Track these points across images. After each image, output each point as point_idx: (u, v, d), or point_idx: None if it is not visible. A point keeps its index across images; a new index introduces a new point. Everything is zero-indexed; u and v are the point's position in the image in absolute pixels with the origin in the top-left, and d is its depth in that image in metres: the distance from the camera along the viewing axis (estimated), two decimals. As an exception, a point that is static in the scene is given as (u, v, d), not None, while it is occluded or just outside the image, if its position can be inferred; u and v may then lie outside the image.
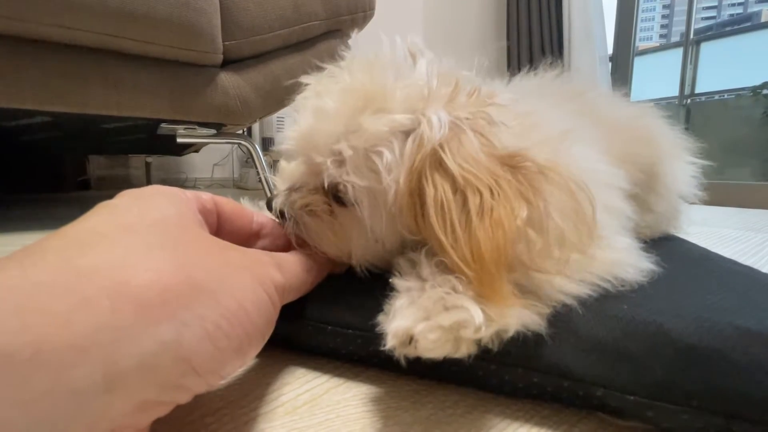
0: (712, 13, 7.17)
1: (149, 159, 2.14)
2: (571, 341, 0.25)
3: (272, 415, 0.25)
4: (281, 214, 0.32)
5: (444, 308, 0.23)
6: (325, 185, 0.29)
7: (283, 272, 0.25)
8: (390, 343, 0.22)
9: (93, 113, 0.82)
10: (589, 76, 1.95)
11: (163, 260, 0.19)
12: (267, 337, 0.24)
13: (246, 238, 0.31)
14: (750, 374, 0.22)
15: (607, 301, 0.27)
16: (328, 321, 0.30)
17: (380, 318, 0.25)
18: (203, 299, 0.19)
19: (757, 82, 2.00)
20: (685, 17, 2.10)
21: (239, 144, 1.20)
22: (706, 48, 2.11)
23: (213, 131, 1.03)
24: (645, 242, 0.35)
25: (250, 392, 0.28)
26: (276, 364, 0.32)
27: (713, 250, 0.50)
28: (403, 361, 0.23)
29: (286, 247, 0.32)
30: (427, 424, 0.25)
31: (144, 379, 0.16)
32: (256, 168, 1.16)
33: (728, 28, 2.73)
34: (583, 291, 0.27)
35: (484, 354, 0.24)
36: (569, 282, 0.26)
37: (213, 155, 2.39)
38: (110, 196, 0.22)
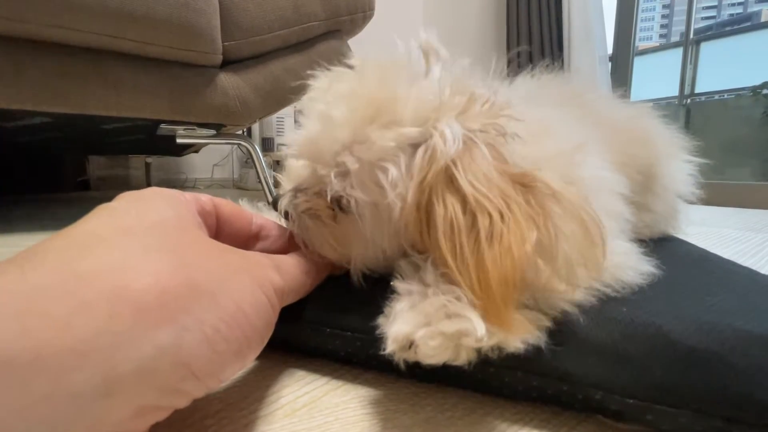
0: (712, 12, 7.16)
1: (149, 159, 2.14)
2: (570, 344, 0.25)
3: (271, 417, 0.25)
4: (286, 215, 0.32)
5: (446, 315, 0.22)
6: (328, 197, 0.28)
7: (282, 274, 0.25)
8: (390, 347, 0.22)
9: (92, 114, 0.82)
10: (589, 76, 1.95)
11: (162, 262, 0.19)
12: (266, 340, 0.24)
13: (245, 240, 0.31)
14: (749, 377, 0.22)
15: (607, 303, 0.27)
16: (327, 323, 0.30)
17: (380, 320, 0.25)
18: (202, 302, 0.19)
19: (757, 82, 2.00)
20: (684, 17, 2.10)
21: (239, 144, 1.21)
22: (705, 48, 2.11)
23: (213, 132, 1.03)
24: (644, 243, 0.35)
25: (249, 394, 0.28)
26: (275, 366, 0.32)
27: (713, 251, 0.50)
28: (402, 366, 0.23)
29: (286, 249, 0.32)
30: (426, 426, 0.25)
31: (143, 384, 0.16)
32: (256, 168, 1.16)
33: (728, 28, 2.74)
34: (584, 296, 0.26)
35: (483, 358, 0.24)
36: (572, 290, 0.26)
37: (213, 156, 2.39)
38: (110, 197, 0.22)
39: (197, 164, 2.39)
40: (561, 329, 0.25)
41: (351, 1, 1.09)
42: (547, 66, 0.50)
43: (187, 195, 0.26)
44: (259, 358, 0.28)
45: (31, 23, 0.71)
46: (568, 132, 0.35)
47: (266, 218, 0.33)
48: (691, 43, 2.08)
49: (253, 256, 0.25)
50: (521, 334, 0.23)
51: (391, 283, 0.26)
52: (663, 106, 2.16)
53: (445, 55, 0.30)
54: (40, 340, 0.14)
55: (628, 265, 0.30)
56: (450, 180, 0.25)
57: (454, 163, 0.25)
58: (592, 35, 2.00)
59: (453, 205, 0.24)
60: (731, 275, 0.38)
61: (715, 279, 0.36)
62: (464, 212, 0.24)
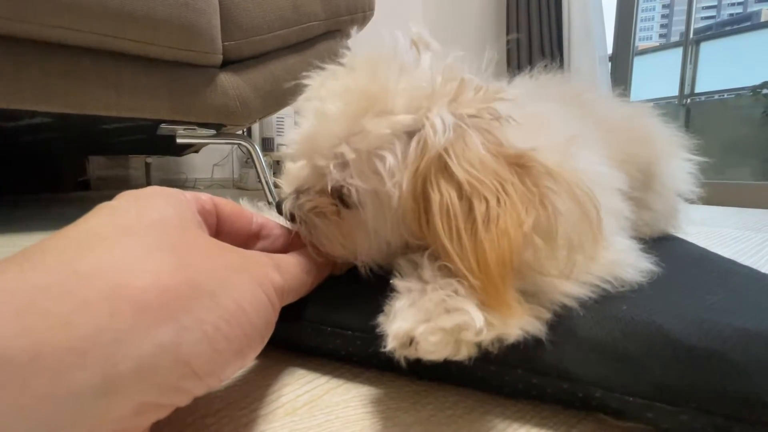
0: (712, 12, 7.16)
1: (149, 159, 2.14)
2: (570, 342, 0.25)
3: (272, 416, 0.25)
4: (292, 218, 0.32)
5: (445, 310, 0.23)
6: (329, 188, 0.29)
7: (282, 274, 0.25)
8: (390, 344, 0.22)
9: (93, 114, 0.82)
10: (589, 76, 1.95)
11: (162, 261, 0.19)
12: (266, 339, 0.24)
13: (245, 239, 0.31)
14: (749, 375, 0.22)
15: (607, 301, 0.27)
16: (328, 322, 0.30)
17: (380, 319, 0.25)
18: (202, 301, 0.19)
19: (757, 81, 2.01)
20: (684, 17, 2.10)
21: (239, 144, 1.21)
22: (705, 48, 2.11)
23: (213, 132, 1.03)
24: (644, 242, 0.35)
25: (249, 393, 0.28)
26: (276, 365, 0.32)
27: (713, 250, 0.50)
28: (403, 363, 0.23)
29: (286, 249, 0.32)
30: (427, 425, 0.25)
31: (143, 382, 0.16)
32: (256, 168, 1.16)
33: (728, 28, 2.74)
34: (584, 292, 0.27)
35: (483, 355, 0.24)
36: (571, 284, 0.26)
37: (213, 156, 2.39)
38: (110, 197, 0.22)
39: (197, 164, 2.39)
40: (561, 327, 0.25)
41: (351, 1, 1.09)
42: (546, 66, 0.50)
43: (188, 194, 0.26)
44: (259, 356, 0.28)
45: (31, 23, 0.71)
46: (563, 125, 0.36)
47: (266, 217, 0.33)
48: (690, 43, 2.08)
49: (253, 255, 0.25)
50: (520, 319, 0.23)
51: (391, 281, 0.26)
52: (663, 105, 2.16)
53: (436, 47, 0.30)
54: (40, 339, 0.14)
55: (628, 263, 0.30)
56: (444, 168, 0.26)
57: (447, 151, 0.26)
58: (591, 35, 2.00)
59: (448, 191, 0.25)
60: (731, 274, 0.38)
61: (715, 278, 0.36)
62: (460, 198, 0.25)
